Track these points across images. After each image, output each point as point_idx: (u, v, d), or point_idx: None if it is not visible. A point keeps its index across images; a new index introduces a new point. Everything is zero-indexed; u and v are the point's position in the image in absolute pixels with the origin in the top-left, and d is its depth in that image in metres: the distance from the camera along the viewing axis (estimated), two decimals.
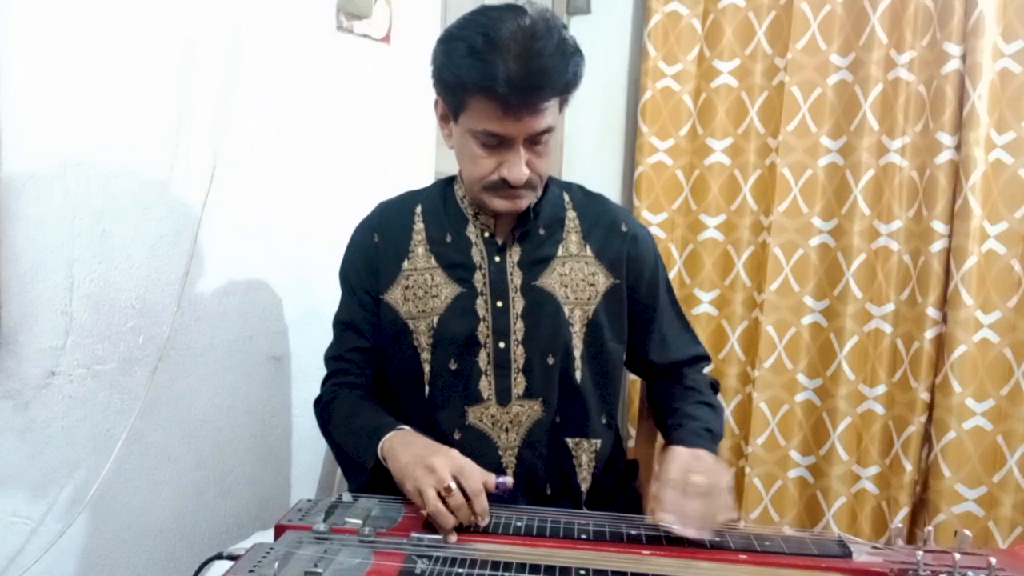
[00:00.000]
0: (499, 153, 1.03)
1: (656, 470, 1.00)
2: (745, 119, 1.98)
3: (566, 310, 1.13)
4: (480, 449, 1.10)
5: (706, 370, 1.27)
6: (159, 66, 1.13)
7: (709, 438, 1.08)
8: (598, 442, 1.17)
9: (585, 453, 1.16)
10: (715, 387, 1.24)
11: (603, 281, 1.15)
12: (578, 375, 1.14)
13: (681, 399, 1.17)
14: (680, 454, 0.99)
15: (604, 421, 1.18)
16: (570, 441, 1.15)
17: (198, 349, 1.25)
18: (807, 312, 1.93)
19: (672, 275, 2.07)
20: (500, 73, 0.94)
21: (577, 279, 1.14)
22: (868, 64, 1.81)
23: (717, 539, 0.89)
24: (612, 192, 2.10)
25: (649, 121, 2.03)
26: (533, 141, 1.02)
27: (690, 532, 0.88)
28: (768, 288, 1.93)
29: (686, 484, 0.93)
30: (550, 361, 1.12)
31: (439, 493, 0.89)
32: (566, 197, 1.20)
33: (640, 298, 1.19)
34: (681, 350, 1.23)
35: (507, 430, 1.12)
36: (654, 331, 1.22)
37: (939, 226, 1.73)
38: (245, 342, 1.35)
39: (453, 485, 0.89)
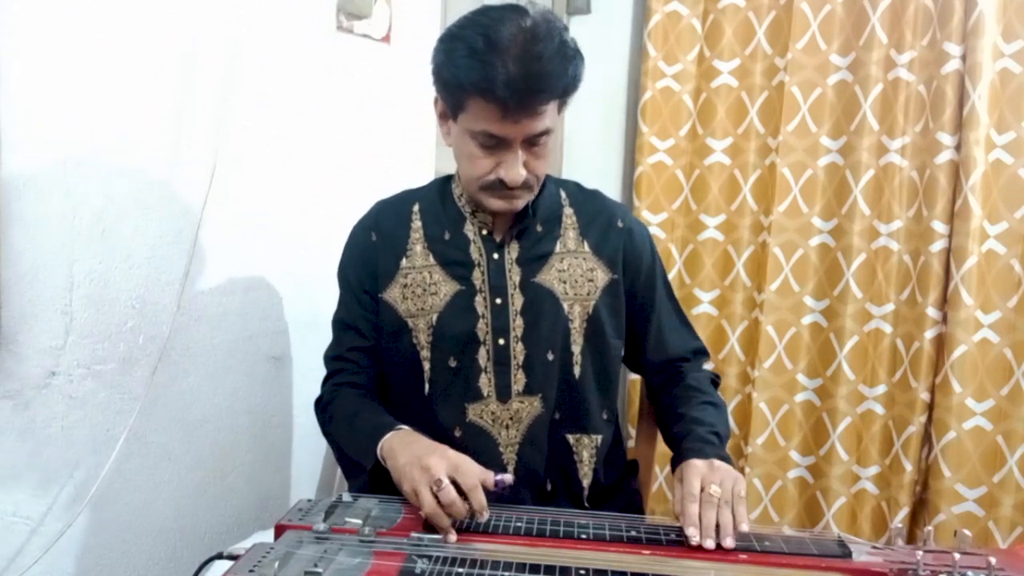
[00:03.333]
0: (497, 154, 1.03)
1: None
2: (745, 119, 1.97)
3: (565, 306, 1.13)
4: (481, 446, 1.10)
5: (707, 365, 1.26)
6: (159, 66, 1.13)
7: (718, 443, 1.07)
8: (599, 438, 1.17)
9: (586, 449, 1.16)
10: (715, 382, 1.24)
11: (601, 276, 1.15)
12: (577, 370, 1.14)
13: (684, 402, 1.15)
14: (696, 467, 0.98)
15: (604, 416, 1.18)
16: (570, 437, 1.15)
17: (198, 349, 1.25)
18: (807, 312, 1.93)
19: (672, 275, 2.06)
20: (499, 76, 0.94)
21: (576, 275, 1.14)
22: (868, 64, 1.81)
23: (744, 545, 0.89)
24: (612, 192, 2.09)
25: (649, 121, 2.03)
26: (531, 143, 1.02)
27: (709, 543, 0.88)
28: (768, 288, 1.93)
29: (705, 496, 0.93)
30: (550, 357, 1.13)
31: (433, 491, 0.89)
32: (562, 194, 1.20)
33: (637, 294, 1.19)
34: (679, 345, 1.23)
35: (507, 427, 1.12)
36: (651, 327, 1.21)
37: (939, 226, 1.73)
38: (245, 342, 1.35)
39: (445, 480, 0.89)
